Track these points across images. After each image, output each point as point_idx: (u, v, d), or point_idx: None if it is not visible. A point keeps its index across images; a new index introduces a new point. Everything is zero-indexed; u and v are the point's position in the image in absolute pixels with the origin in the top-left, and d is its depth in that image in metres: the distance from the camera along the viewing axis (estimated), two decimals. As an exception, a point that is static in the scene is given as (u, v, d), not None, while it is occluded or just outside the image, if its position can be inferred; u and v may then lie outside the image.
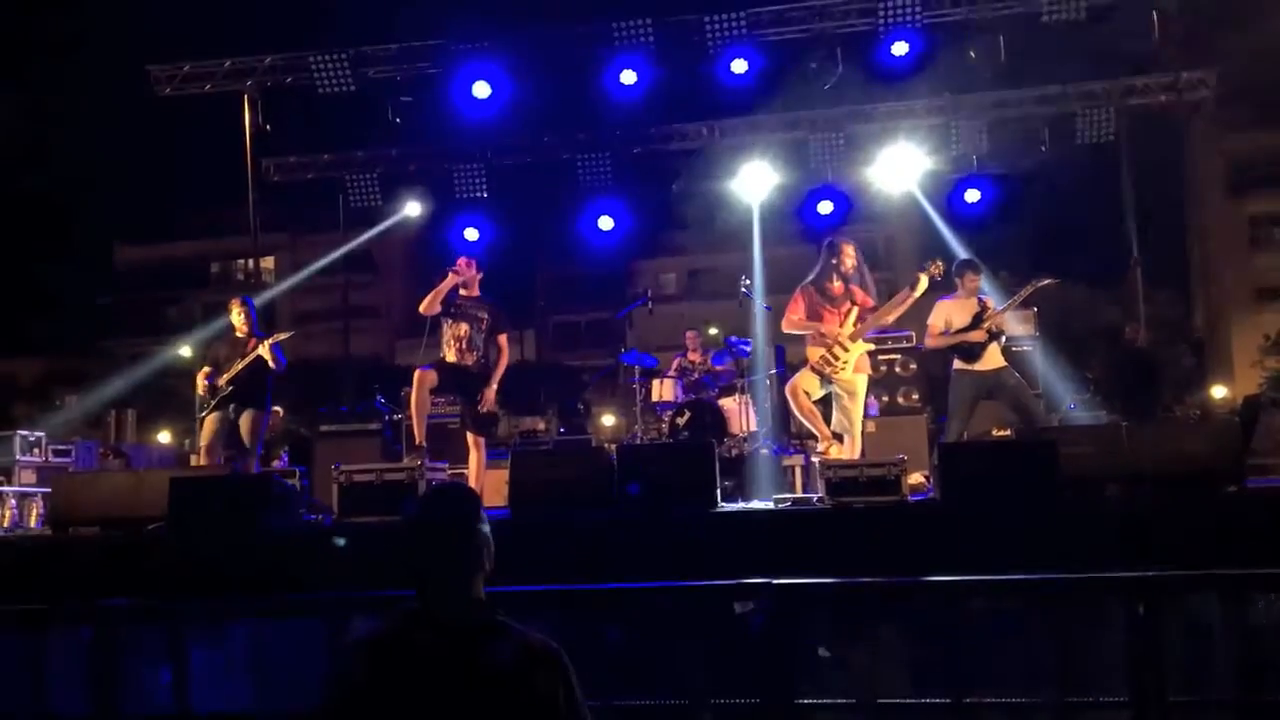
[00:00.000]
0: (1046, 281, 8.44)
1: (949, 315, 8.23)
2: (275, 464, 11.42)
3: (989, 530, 5.52)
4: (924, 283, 7.53)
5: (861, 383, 7.78)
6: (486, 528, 2.58)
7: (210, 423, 8.45)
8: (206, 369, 8.59)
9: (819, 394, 7.78)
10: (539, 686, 2.35)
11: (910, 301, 7.63)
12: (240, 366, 8.38)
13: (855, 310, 7.73)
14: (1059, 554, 5.19)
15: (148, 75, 13.80)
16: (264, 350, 8.34)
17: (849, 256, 7.81)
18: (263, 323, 8.93)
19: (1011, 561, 4.80)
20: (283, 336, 8.55)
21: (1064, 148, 13.77)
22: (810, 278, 7.92)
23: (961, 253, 13.62)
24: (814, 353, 7.76)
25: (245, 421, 8.44)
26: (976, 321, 8.11)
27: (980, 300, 8.25)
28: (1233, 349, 33.30)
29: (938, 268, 7.81)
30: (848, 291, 7.80)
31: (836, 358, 7.64)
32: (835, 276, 7.79)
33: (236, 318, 8.71)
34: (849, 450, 7.66)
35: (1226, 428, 6.73)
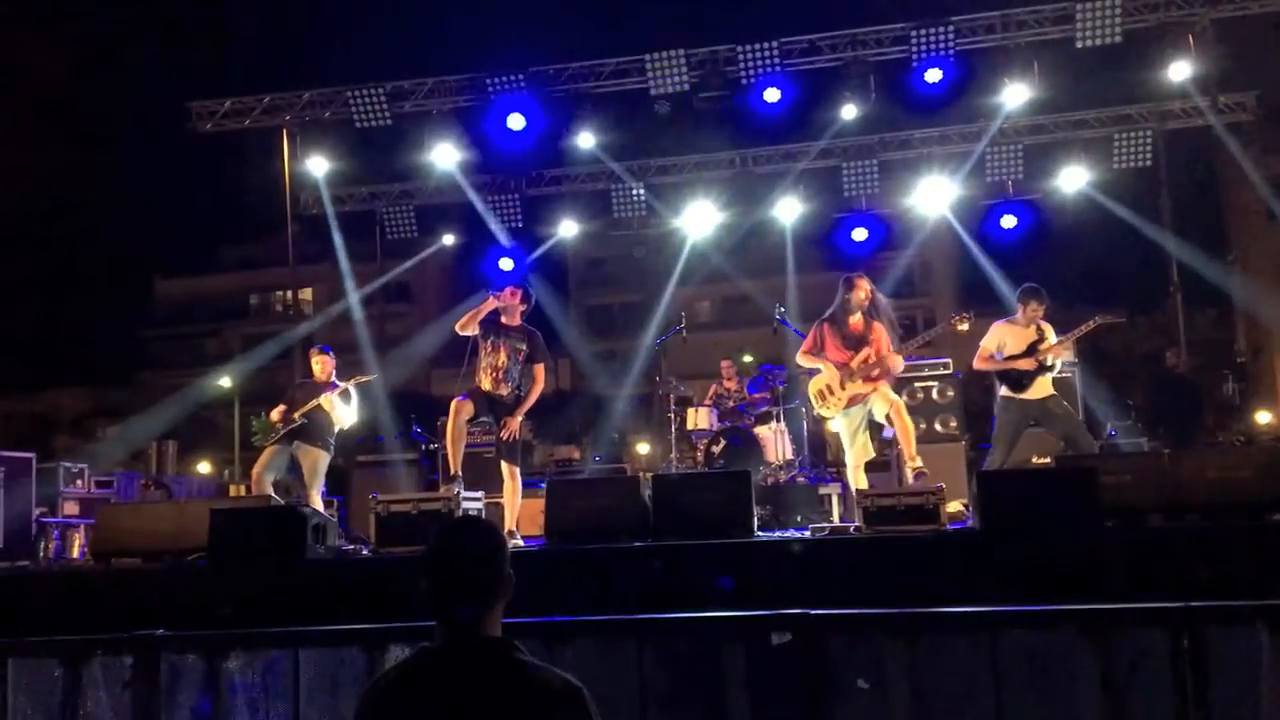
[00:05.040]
0: (1109, 319, 8.34)
1: (1003, 340, 8.12)
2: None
3: (1029, 560, 5.44)
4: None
5: (865, 413, 7.64)
6: (508, 565, 2.54)
7: (269, 453, 8.59)
8: (283, 406, 8.77)
9: (850, 431, 7.67)
10: None
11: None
12: (316, 403, 8.54)
13: (866, 353, 7.62)
14: (1100, 584, 5.12)
15: (189, 112, 14.06)
16: (325, 401, 8.52)
17: (860, 290, 7.75)
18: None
19: (1052, 591, 4.73)
20: (364, 380, 8.71)
21: (1101, 172, 13.70)
22: (827, 314, 7.87)
23: (998, 278, 13.57)
24: (813, 385, 7.74)
25: (308, 458, 8.56)
26: (1031, 350, 8.01)
27: (1039, 329, 8.12)
28: (1277, 374, 32.79)
29: (962, 320, 7.81)
30: (868, 330, 7.71)
31: (831, 392, 7.59)
32: (850, 312, 7.73)
33: (316, 365, 8.94)
34: (853, 482, 7.58)
35: (1272, 454, 6.63)
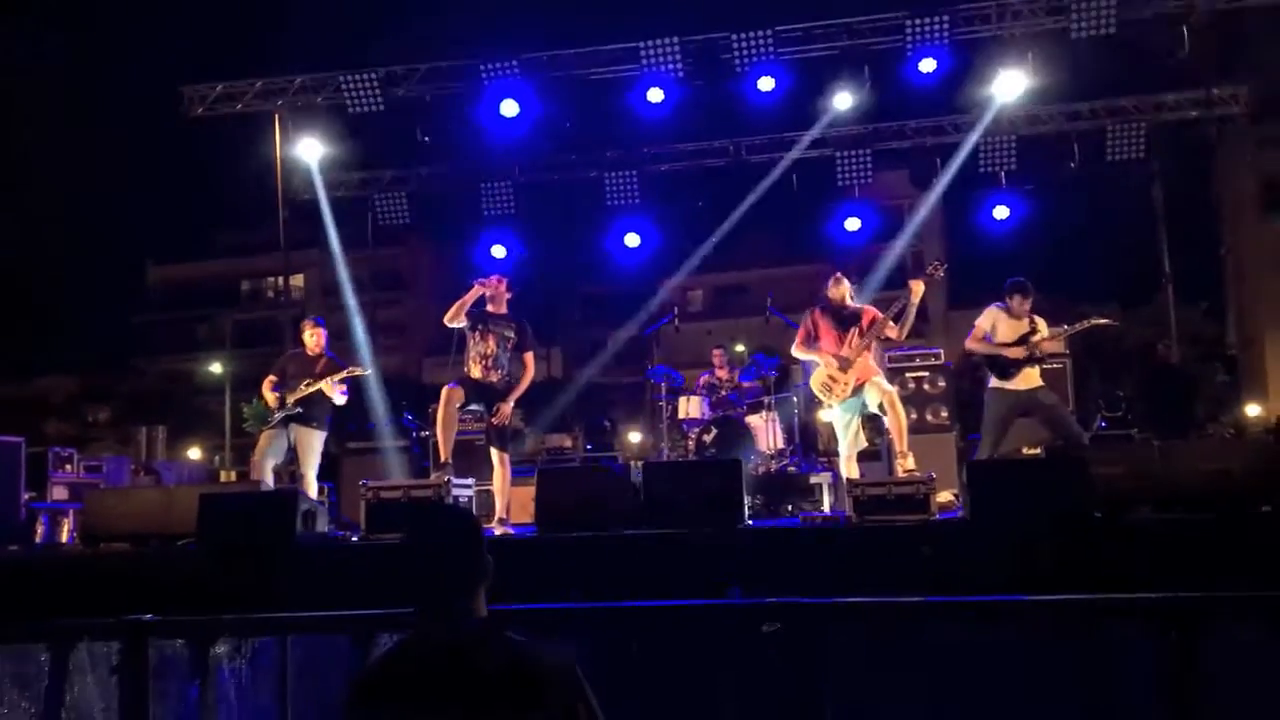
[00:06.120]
0: (1103, 321, 8.33)
1: (996, 323, 8.13)
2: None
3: (1018, 550, 5.46)
4: (918, 289, 7.48)
5: (860, 403, 7.60)
6: (486, 552, 2.53)
7: (267, 438, 8.53)
8: (273, 378, 8.69)
9: (843, 421, 7.65)
10: (553, 704, 2.31)
11: (911, 308, 7.53)
12: (313, 389, 8.47)
13: (852, 331, 7.61)
14: (1090, 575, 5.13)
15: (180, 96, 13.97)
16: (326, 386, 8.43)
17: (843, 281, 7.81)
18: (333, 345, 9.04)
19: (1041, 582, 4.75)
20: (357, 372, 8.66)
21: (1094, 164, 13.71)
22: (818, 303, 7.87)
23: (989, 270, 13.56)
24: (816, 379, 7.71)
25: (305, 441, 8.51)
26: (1022, 341, 8.01)
27: (1031, 321, 8.12)
28: (1267, 366, 32.92)
29: (936, 269, 7.76)
30: (859, 312, 7.70)
31: (835, 380, 7.56)
32: (840, 295, 7.74)
33: (309, 338, 8.81)
34: (845, 472, 7.55)
35: (1261, 446, 6.65)
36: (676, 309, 11.75)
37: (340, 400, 8.62)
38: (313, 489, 8.41)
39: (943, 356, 10.47)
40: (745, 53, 12.45)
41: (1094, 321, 8.25)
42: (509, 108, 13.00)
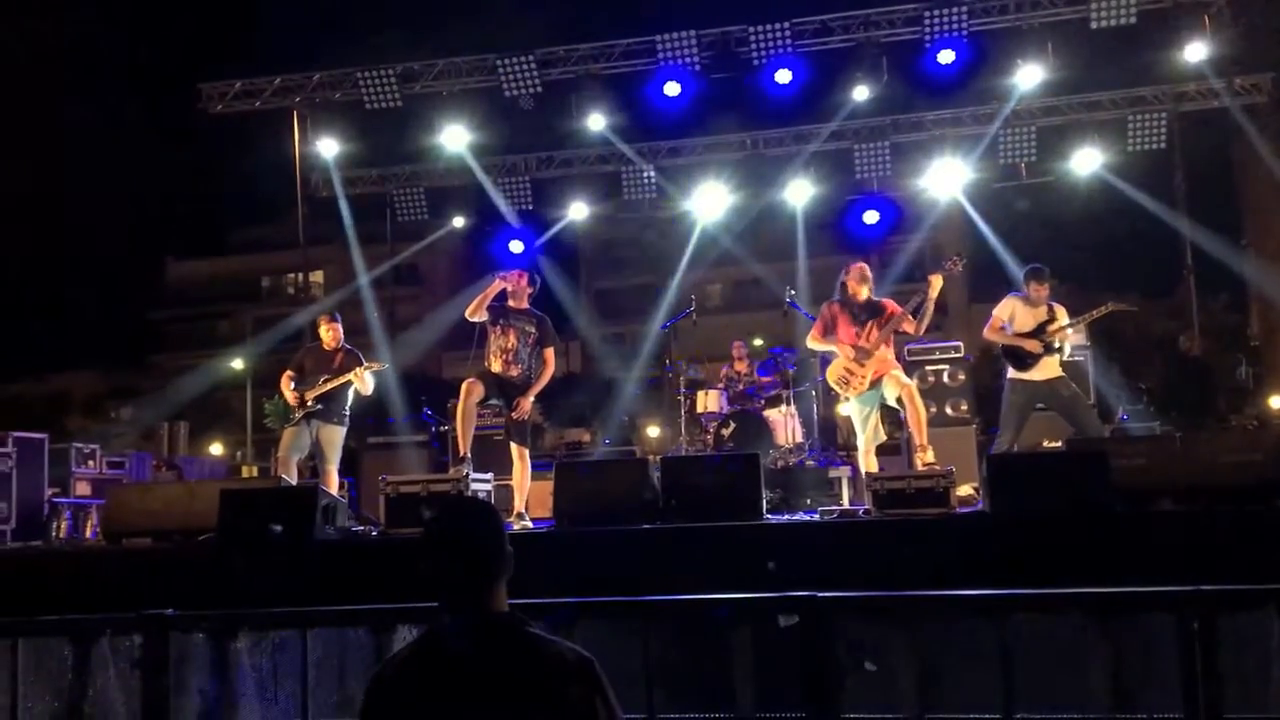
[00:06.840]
0: (1121, 307, 8.25)
1: (1014, 312, 8.06)
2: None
3: (1039, 543, 5.43)
4: (937, 283, 7.41)
5: (878, 396, 7.53)
6: (507, 545, 2.53)
7: (290, 435, 8.60)
8: (290, 373, 8.74)
9: (862, 415, 7.60)
10: (573, 700, 2.31)
11: (930, 303, 7.45)
12: (332, 385, 8.52)
13: (870, 325, 7.56)
14: (1111, 567, 5.10)
15: (199, 93, 14.04)
16: (357, 377, 8.49)
17: (863, 269, 7.72)
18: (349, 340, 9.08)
19: (1062, 575, 4.72)
20: (375, 367, 8.71)
21: (1115, 154, 13.62)
22: (836, 296, 7.80)
23: (1010, 261, 13.50)
24: (833, 372, 7.65)
25: (327, 436, 8.59)
26: (1039, 330, 7.95)
27: (1050, 309, 8.05)
28: (1291, 358, 32.60)
29: (955, 263, 7.68)
30: (877, 305, 7.64)
31: (852, 374, 7.50)
32: (859, 286, 7.66)
33: (325, 333, 8.87)
34: (864, 465, 7.48)
35: (1285, 438, 6.57)
36: (694, 303, 11.70)
37: (369, 389, 8.67)
38: (334, 484, 8.45)
39: (963, 349, 10.43)
40: (762, 45, 12.42)
41: (1111, 307, 8.18)
42: (526, 101, 13.01)
